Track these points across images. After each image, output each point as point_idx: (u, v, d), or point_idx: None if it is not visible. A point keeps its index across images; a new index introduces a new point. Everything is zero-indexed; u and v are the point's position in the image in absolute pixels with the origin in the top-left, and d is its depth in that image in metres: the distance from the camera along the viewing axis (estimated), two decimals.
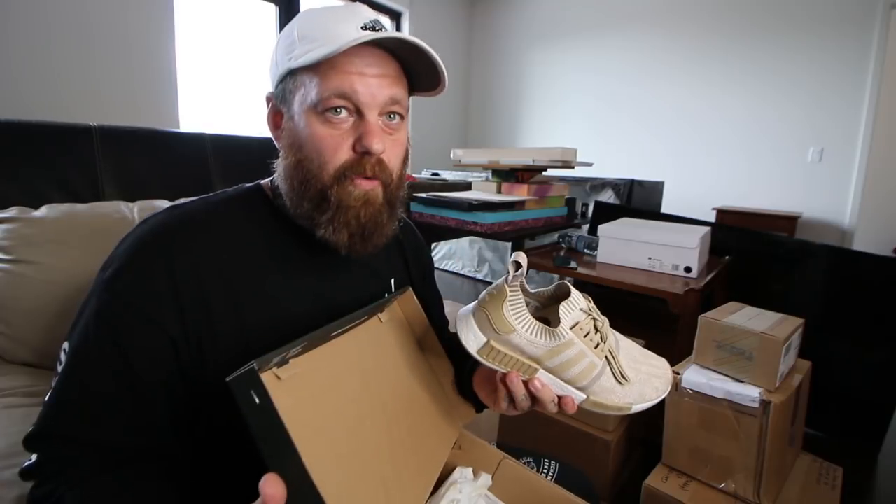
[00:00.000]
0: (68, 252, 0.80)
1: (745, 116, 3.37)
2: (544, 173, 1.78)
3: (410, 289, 0.61)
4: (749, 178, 3.39)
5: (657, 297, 1.28)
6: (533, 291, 0.52)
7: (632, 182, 2.62)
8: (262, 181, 0.57)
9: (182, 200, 0.68)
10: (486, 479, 0.56)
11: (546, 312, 0.53)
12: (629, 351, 0.51)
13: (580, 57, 4.12)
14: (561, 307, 0.46)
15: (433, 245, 3.24)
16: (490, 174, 1.74)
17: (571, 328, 0.46)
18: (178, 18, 2.48)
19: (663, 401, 0.51)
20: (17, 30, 1.97)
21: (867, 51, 2.90)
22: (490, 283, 0.49)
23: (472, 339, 0.47)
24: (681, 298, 1.22)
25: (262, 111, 0.55)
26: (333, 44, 0.44)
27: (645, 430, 1.32)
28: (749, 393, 1.01)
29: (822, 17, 3.03)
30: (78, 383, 0.43)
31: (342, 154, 0.48)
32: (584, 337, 0.46)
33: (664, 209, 2.90)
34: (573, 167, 1.61)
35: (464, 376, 0.60)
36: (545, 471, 0.70)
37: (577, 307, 0.47)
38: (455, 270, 3.54)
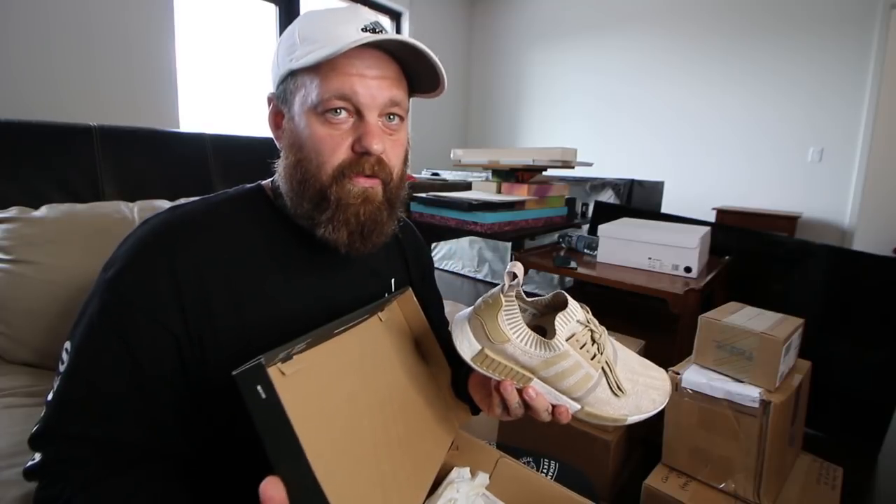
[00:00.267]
0: (68, 252, 0.80)
1: (745, 116, 3.37)
2: (544, 173, 1.78)
3: (410, 289, 0.61)
4: (749, 178, 3.39)
5: (657, 297, 1.28)
6: (530, 300, 0.52)
7: (632, 182, 2.62)
8: (263, 182, 0.58)
9: (183, 201, 0.68)
10: (483, 478, 0.56)
11: (543, 320, 0.53)
12: (627, 362, 0.50)
13: (580, 57, 4.12)
14: (557, 318, 0.46)
15: (433, 245, 3.24)
16: (490, 174, 1.74)
17: (567, 339, 0.46)
18: (178, 18, 2.48)
19: None
20: (17, 30, 1.97)
21: (867, 51, 2.90)
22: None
23: (467, 347, 0.47)
24: (681, 298, 1.22)
25: (263, 111, 0.55)
26: (334, 45, 0.44)
27: (645, 430, 1.32)
28: (749, 393, 1.01)
29: (822, 17, 3.03)
30: (83, 382, 0.43)
31: (341, 154, 0.48)
32: (581, 348, 0.46)
33: (664, 209, 2.90)
34: (573, 167, 1.61)
35: (460, 379, 0.60)
36: (545, 470, 0.70)
37: (573, 319, 0.47)
38: (455, 270, 3.54)
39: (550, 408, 0.48)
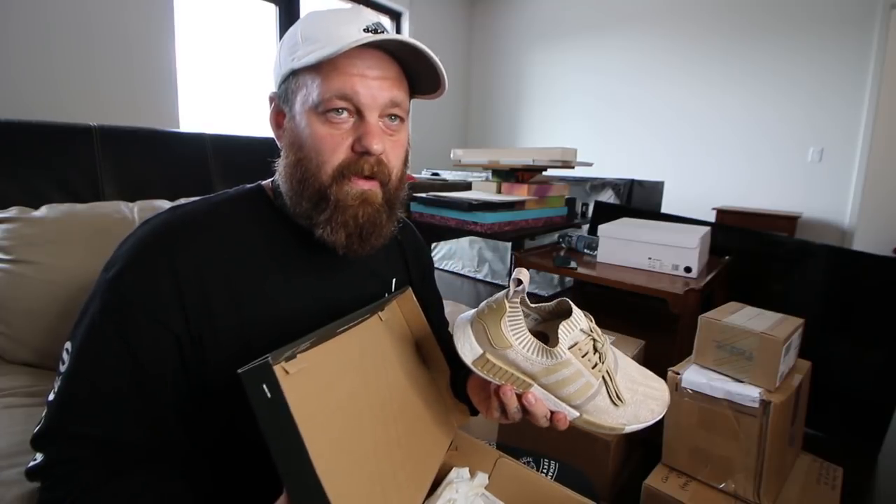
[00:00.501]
0: (68, 252, 0.80)
1: (745, 116, 3.37)
2: (544, 173, 1.78)
3: (410, 289, 0.61)
4: (749, 178, 3.39)
5: (657, 297, 1.28)
6: (534, 305, 0.52)
7: (632, 182, 2.62)
8: (264, 182, 0.58)
9: (183, 201, 0.68)
10: (482, 478, 0.56)
11: (545, 326, 0.53)
12: (628, 371, 0.51)
13: (580, 57, 4.12)
14: (561, 327, 0.46)
15: (433, 245, 3.24)
16: (490, 174, 1.74)
17: (570, 348, 0.46)
18: (178, 18, 2.48)
19: None
20: (17, 30, 1.97)
21: (867, 51, 2.90)
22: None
23: (468, 350, 0.47)
24: (681, 298, 1.22)
25: (264, 111, 0.55)
26: (335, 45, 0.44)
27: (645, 430, 1.32)
28: (749, 393, 1.01)
29: (822, 17, 3.03)
30: (85, 382, 0.43)
31: (340, 153, 0.48)
32: (582, 357, 0.46)
33: (664, 209, 2.90)
34: (573, 167, 1.61)
35: (459, 380, 0.60)
36: (545, 471, 0.70)
37: (577, 327, 0.47)
38: (455, 270, 3.54)
39: (549, 414, 0.48)
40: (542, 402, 0.48)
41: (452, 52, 4.68)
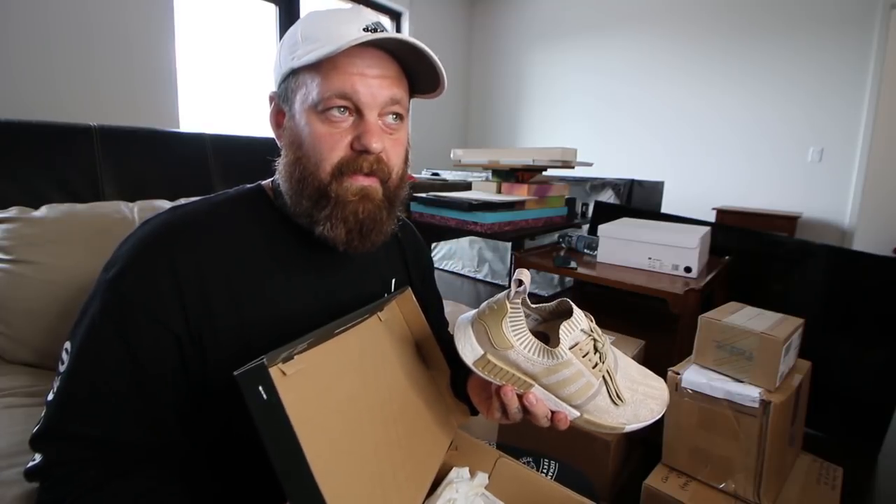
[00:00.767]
0: (68, 252, 0.80)
1: (745, 116, 3.37)
2: (544, 173, 1.78)
3: (409, 289, 0.61)
4: (749, 178, 3.39)
5: (657, 297, 1.28)
6: (535, 306, 0.52)
7: (632, 182, 2.62)
8: (264, 182, 0.58)
9: (183, 201, 0.68)
10: (482, 477, 0.56)
11: (546, 327, 0.53)
12: (628, 370, 0.51)
13: (580, 57, 4.12)
14: (562, 327, 0.46)
15: (433, 245, 3.24)
16: (490, 174, 1.74)
17: (570, 348, 0.46)
18: (178, 18, 2.48)
19: None
20: (17, 30, 1.97)
21: (867, 51, 2.90)
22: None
23: (469, 351, 0.47)
24: (681, 298, 1.22)
25: (263, 111, 0.55)
26: (335, 44, 0.44)
27: (645, 430, 1.32)
28: (749, 393, 1.01)
29: (822, 17, 3.03)
30: (84, 382, 0.43)
31: (339, 151, 0.48)
32: (583, 357, 0.46)
33: (664, 209, 2.90)
34: (573, 167, 1.61)
35: (459, 380, 0.60)
36: (545, 470, 0.70)
37: (577, 327, 0.47)
38: (455, 270, 3.54)
39: (550, 414, 0.48)
40: (542, 402, 0.48)
41: (452, 52, 4.68)
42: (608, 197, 2.64)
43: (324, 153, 0.48)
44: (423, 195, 1.56)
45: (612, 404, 0.48)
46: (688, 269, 1.37)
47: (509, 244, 2.80)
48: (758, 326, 1.04)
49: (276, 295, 0.51)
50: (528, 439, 0.78)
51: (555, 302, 0.51)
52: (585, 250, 1.66)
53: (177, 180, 1.09)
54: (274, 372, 0.33)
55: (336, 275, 0.57)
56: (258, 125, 2.81)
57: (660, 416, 0.50)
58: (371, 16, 0.50)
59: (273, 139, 0.55)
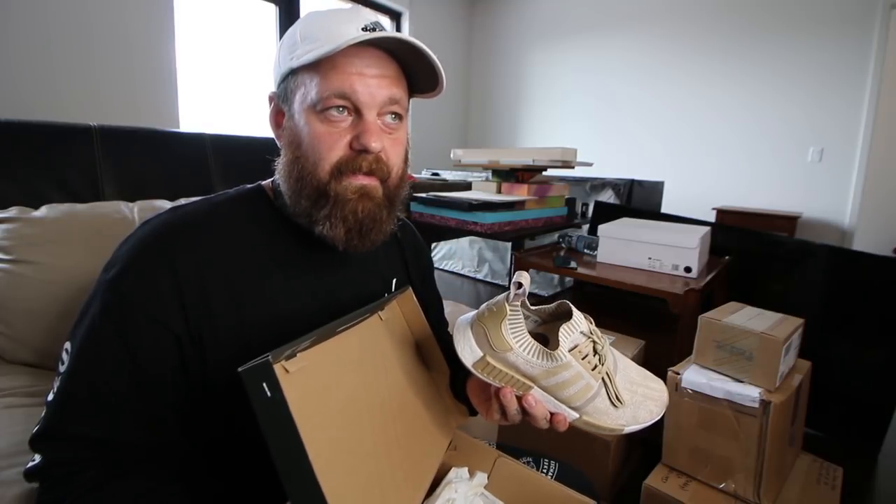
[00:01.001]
0: (68, 252, 0.80)
1: (745, 116, 3.37)
2: (544, 173, 1.78)
3: (410, 289, 0.61)
4: (749, 178, 3.39)
5: (657, 297, 1.28)
6: (534, 308, 0.52)
7: (632, 182, 2.62)
8: (264, 182, 0.58)
9: (183, 201, 0.68)
10: (481, 477, 0.56)
11: (545, 328, 0.53)
12: (627, 372, 0.51)
13: (580, 57, 4.12)
14: (561, 330, 0.46)
15: (433, 245, 3.24)
16: (490, 174, 1.74)
17: (570, 350, 0.46)
18: (178, 18, 2.48)
19: None
20: (17, 30, 1.97)
21: (867, 51, 2.90)
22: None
23: (468, 353, 0.47)
24: (681, 298, 1.22)
25: (263, 111, 0.56)
26: (333, 43, 0.44)
27: (645, 430, 1.32)
28: (749, 393, 1.01)
29: (822, 17, 3.03)
30: (84, 382, 0.43)
31: (338, 151, 0.48)
32: (583, 359, 0.46)
33: (664, 209, 2.90)
34: (573, 167, 1.61)
35: (458, 380, 0.60)
36: (545, 470, 0.70)
37: (577, 330, 0.47)
38: (455, 270, 3.54)
39: (549, 415, 0.48)
40: (541, 403, 0.48)
41: (452, 52, 4.68)
42: (608, 197, 2.64)
43: (323, 153, 0.48)
44: (423, 195, 1.56)
45: (612, 406, 0.48)
46: (688, 269, 1.37)
47: (509, 244, 2.80)
48: (758, 326, 1.04)
49: (276, 295, 0.51)
50: (527, 439, 0.78)
51: (554, 304, 0.51)
52: (585, 250, 1.66)
53: (177, 180, 1.09)
54: (277, 369, 0.33)
55: (336, 275, 0.57)
56: (258, 125, 2.81)
57: (659, 417, 0.50)
58: (370, 15, 0.50)
59: (273, 139, 0.55)
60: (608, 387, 0.48)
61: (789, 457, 1.16)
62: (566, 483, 0.59)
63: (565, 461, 0.72)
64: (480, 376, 0.48)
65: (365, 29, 0.47)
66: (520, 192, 1.58)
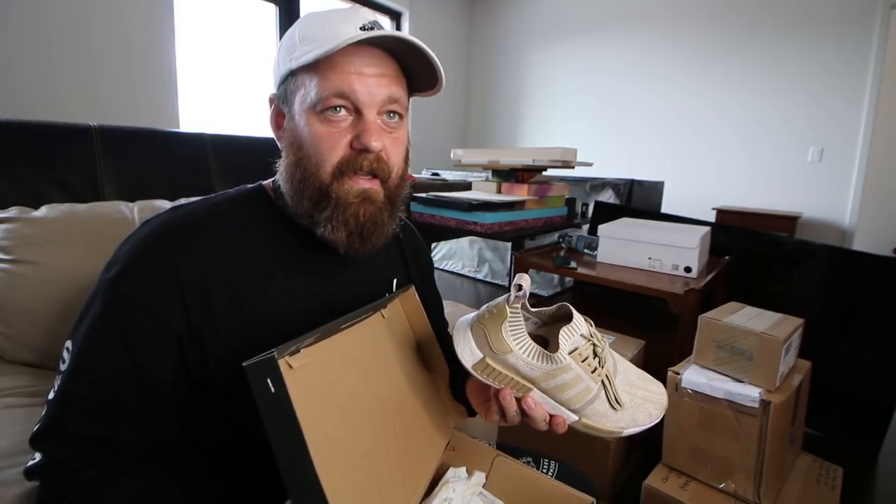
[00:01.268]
0: (68, 252, 0.80)
1: (745, 116, 3.37)
2: (544, 173, 1.78)
3: (413, 288, 0.61)
4: (749, 178, 3.39)
5: (657, 297, 1.28)
6: (534, 310, 0.52)
7: (632, 182, 2.62)
8: (265, 182, 0.58)
9: (183, 201, 0.68)
10: (479, 477, 0.56)
11: (545, 331, 0.53)
12: (626, 375, 0.51)
13: (580, 57, 4.12)
14: (561, 332, 0.46)
15: (433, 245, 3.24)
16: (490, 174, 1.74)
17: (570, 353, 0.46)
18: (178, 18, 2.48)
19: None
20: (17, 30, 1.97)
21: (867, 51, 2.90)
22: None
23: (468, 354, 0.47)
24: (681, 298, 1.22)
25: (263, 111, 0.56)
26: (331, 43, 0.44)
27: (645, 430, 1.32)
28: (749, 393, 1.01)
29: (822, 17, 3.03)
30: (85, 382, 0.43)
31: (339, 151, 0.48)
32: (582, 361, 0.46)
33: (664, 209, 2.90)
34: (573, 167, 1.61)
35: (457, 381, 0.61)
36: (545, 470, 0.70)
37: (577, 332, 0.47)
38: (455, 270, 3.54)
39: (548, 417, 0.48)
40: (541, 405, 0.48)
41: (452, 52, 4.68)
42: (608, 197, 2.64)
43: (324, 153, 0.48)
44: (423, 195, 1.56)
45: (611, 409, 0.48)
46: (688, 269, 1.37)
47: (509, 244, 2.80)
48: (758, 326, 1.04)
49: (277, 294, 0.51)
50: (527, 439, 0.78)
51: (555, 306, 0.51)
52: (585, 250, 1.66)
53: (177, 180, 1.09)
54: (281, 365, 0.33)
55: (336, 275, 0.57)
56: (258, 125, 2.81)
57: (658, 420, 0.50)
58: (368, 15, 0.50)
59: (273, 139, 0.55)
60: (608, 389, 0.48)
61: (789, 457, 1.16)
62: (566, 483, 0.59)
63: (565, 461, 0.72)
64: (480, 378, 0.48)
65: (363, 28, 0.47)
66: (520, 192, 1.58)
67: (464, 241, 3.43)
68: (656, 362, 1.17)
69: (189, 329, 0.46)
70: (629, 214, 1.87)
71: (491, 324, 0.47)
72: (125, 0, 2.25)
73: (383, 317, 0.54)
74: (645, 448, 1.34)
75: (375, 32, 0.46)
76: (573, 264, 1.48)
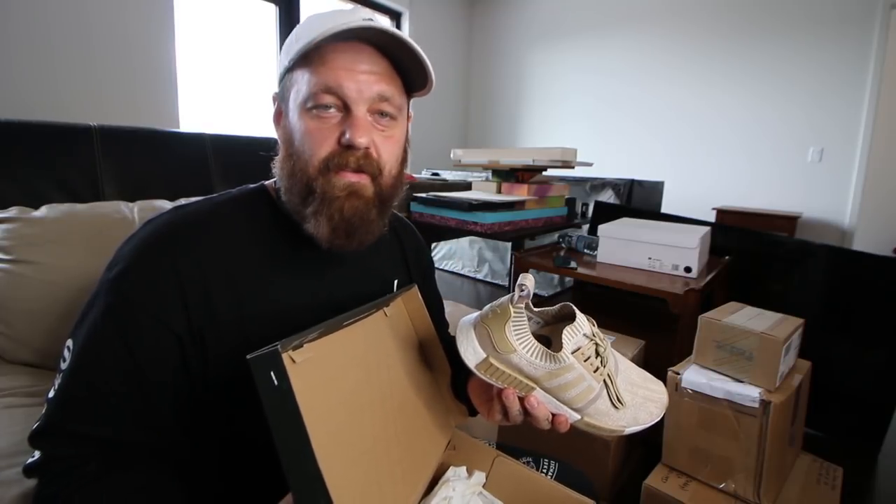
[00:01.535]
0: (68, 252, 0.80)
1: (745, 116, 3.37)
2: (544, 173, 1.78)
3: (416, 287, 0.61)
4: (749, 178, 3.39)
5: (657, 297, 1.28)
6: (537, 310, 0.53)
7: (632, 182, 2.62)
8: (267, 182, 0.58)
9: (183, 201, 0.68)
10: (479, 476, 0.56)
11: (548, 330, 0.54)
12: (628, 374, 0.51)
13: (580, 57, 4.12)
14: (564, 332, 0.46)
15: (433, 245, 3.24)
16: (490, 174, 1.74)
17: (573, 353, 0.46)
18: (178, 18, 2.48)
19: None
20: (17, 30, 1.97)
21: (867, 51, 2.90)
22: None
23: (471, 354, 0.47)
24: (681, 298, 1.22)
25: (263, 111, 0.56)
26: (319, 37, 0.45)
27: (645, 430, 1.32)
28: (749, 393, 1.01)
29: (822, 17, 3.03)
30: (85, 381, 0.43)
31: (327, 146, 0.48)
32: (585, 361, 0.47)
33: (664, 209, 2.90)
34: (573, 167, 1.61)
35: (459, 380, 0.61)
36: (545, 470, 0.70)
37: (580, 332, 0.47)
38: (455, 270, 3.54)
39: (550, 416, 0.49)
40: (544, 405, 0.48)
41: (452, 52, 4.68)
42: (608, 197, 2.64)
43: (312, 148, 0.48)
44: (423, 195, 1.56)
45: (613, 408, 0.48)
46: (688, 269, 1.37)
47: (509, 244, 2.80)
48: (758, 326, 1.04)
49: (278, 294, 0.51)
50: (527, 439, 0.78)
51: (558, 306, 0.52)
52: (585, 250, 1.66)
53: (177, 180, 1.09)
54: (285, 358, 0.33)
55: (336, 275, 0.57)
56: (258, 125, 2.81)
57: (659, 418, 0.50)
58: (367, 14, 0.50)
59: (273, 139, 0.55)
60: (609, 388, 0.48)
61: (789, 457, 1.16)
62: (566, 483, 0.59)
63: (565, 461, 0.72)
64: (483, 377, 0.48)
65: None
66: (520, 192, 1.58)
67: (464, 241, 3.43)
68: (656, 362, 1.17)
69: (190, 329, 0.46)
70: (629, 214, 1.87)
71: (494, 324, 0.47)
72: (125, 0, 2.25)
73: (386, 315, 0.54)
74: (645, 448, 1.34)
75: (356, 24, 0.45)
76: (573, 264, 1.48)
